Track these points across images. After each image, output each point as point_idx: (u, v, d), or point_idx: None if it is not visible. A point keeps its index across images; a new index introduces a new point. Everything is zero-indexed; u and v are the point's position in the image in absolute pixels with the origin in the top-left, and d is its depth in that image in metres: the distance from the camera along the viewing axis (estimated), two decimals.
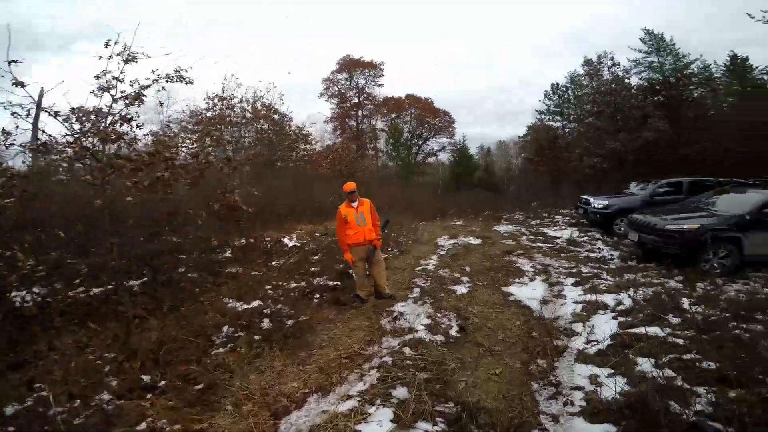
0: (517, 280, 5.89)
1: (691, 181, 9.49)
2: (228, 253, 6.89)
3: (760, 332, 3.52)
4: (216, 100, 11.95)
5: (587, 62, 17.54)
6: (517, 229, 10.69)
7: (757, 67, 18.79)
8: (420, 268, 6.52)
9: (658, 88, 14.82)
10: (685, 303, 4.47)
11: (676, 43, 19.28)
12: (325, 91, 30.28)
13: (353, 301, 4.92)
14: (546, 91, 25.99)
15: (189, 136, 10.83)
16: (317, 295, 5.23)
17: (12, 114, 4.35)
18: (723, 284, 5.24)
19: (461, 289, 5.40)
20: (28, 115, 4.43)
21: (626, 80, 15.78)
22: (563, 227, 10.64)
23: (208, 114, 11.71)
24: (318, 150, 17.96)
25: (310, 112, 39.58)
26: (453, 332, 4.04)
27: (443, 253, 7.71)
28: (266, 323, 4.30)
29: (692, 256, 5.88)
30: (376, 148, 30.55)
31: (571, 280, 5.86)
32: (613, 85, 15.36)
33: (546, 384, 3.10)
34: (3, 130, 4.65)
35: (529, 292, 5.41)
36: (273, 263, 6.68)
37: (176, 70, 4.85)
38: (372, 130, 30.94)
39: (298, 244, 7.72)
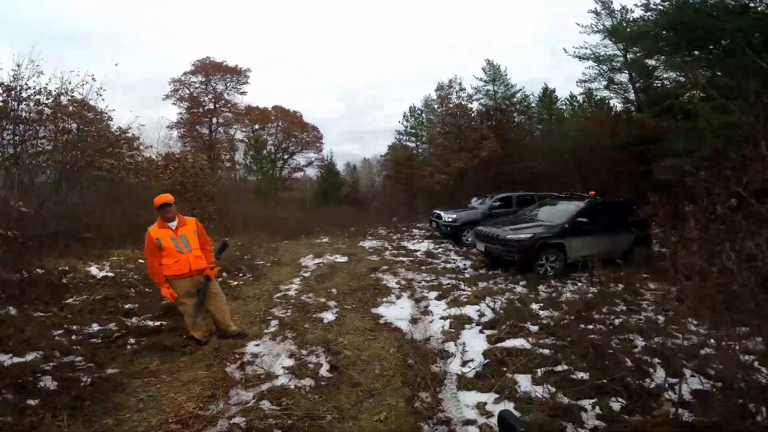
0: (384, 299, 5.62)
1: (518, 195, 11.21)
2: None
3: (605, 332, 3.95)
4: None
5: (440, 87, 19.77)
6: (381, 244, 10.77)
7: (559, 99, 24.39)
8: (279, 294, 5.66)
9: (491, 113, 17.50)
10: (535, 307, 4.87)
11: (508, 74, 23.41)
12: (172, 93, 26.18)
13: (186, 345, 3.78)
14: (405, 113, 28.29)
15: None
16: (131, 341, 3.88)
17: None
18: (560, 287, 5.98)
19: (328, 316, 4.80)
20: None
21: (469, 105, 18.23)
22: (421, 240, 11.21)
23: None
24: (153, 158, 15.06)
25: (153, 116, 33.67)
26: (324, 371, 3.41)
27: (307, 274, 7.00)
28: (49, 382, 2.97)
29: (529, 262, 6.67)
30: (232, 159, 27.75)
31: (435, 293, 5.90)
32: (457, 110, 17.48)
33: (436, 423, 2.74)
34: None
35: (397, 311, 5.17)
36: (69, 300, 4.85)
37: None
38: (229, 140, 28.05)
39: (111, 275, 5.88)
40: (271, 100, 56.95)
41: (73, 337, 3.82)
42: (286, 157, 31.12)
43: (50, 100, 9.64)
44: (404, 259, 8.54)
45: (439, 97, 19.09)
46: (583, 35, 16.85)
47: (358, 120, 56.50)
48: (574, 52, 16.10)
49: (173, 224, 3.63)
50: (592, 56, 15.91)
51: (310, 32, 60.69)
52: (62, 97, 9.97)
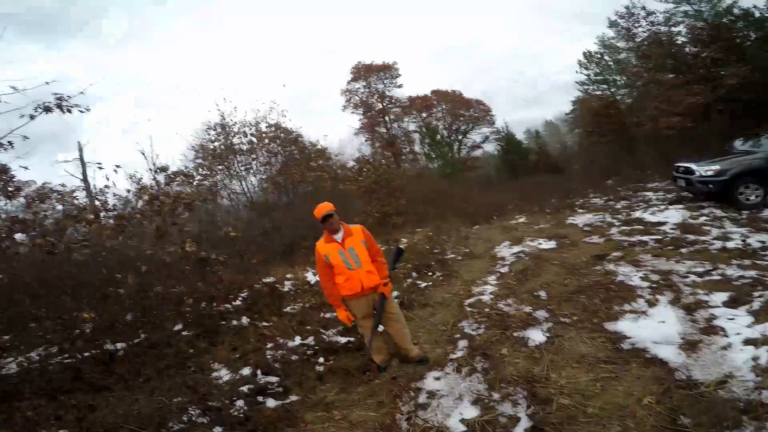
0: (627, 306, 3.77)
1: None
2: (238, 301, 5.60)
3: None
4: (218, 129, 11.07)
5: (613, 23, 14.92)
6: (599, 218, 8.28)
7: None
8: (471, 300, 4.63)
9: (713, 33, 11.98)
10: None
11: None
12: (347, 104, 29.19)
13: (365, 371, 3.29)
14: (579, 61, 22.52)
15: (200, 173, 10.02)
16: (321, 360, 3.66)
17: None
18: None
19: (535, 336, 3.46)
20: None
21: (672, 27, 12.90)
22: (663, 206, 8.06)
23: (214, 146, 10.84)
24: (346, 164, 16.68)
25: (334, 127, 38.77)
26: None
27: (504, 269, 5.73)
28: (239, 406, 2.96)
29: None
30: (413, 151, 28.69)
31: (721, 295, 3.61)
32: (662, 36, 12.60)
33: None
34: None
35: (653, 328, 3.29)
36: (287, 309, 5.25)
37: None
38: (405, 133, 29.17)
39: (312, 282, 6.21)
40: (427, 85, 56.83)
41: (278, 352, 3.89)
42: (460, 137, 30.08)
43: (252, 129, 11.73)
44: (645, 237, 6.07)
45: (619, 34, 14.22)
46: None
47: (528, 82, 49.54)
48: None
49: (339, 236, 3.09)
50: None
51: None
52: (261, 125, 12.01)
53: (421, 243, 8.70)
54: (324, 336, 4.17)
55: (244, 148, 10.95)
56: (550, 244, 6.71)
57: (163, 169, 4.86)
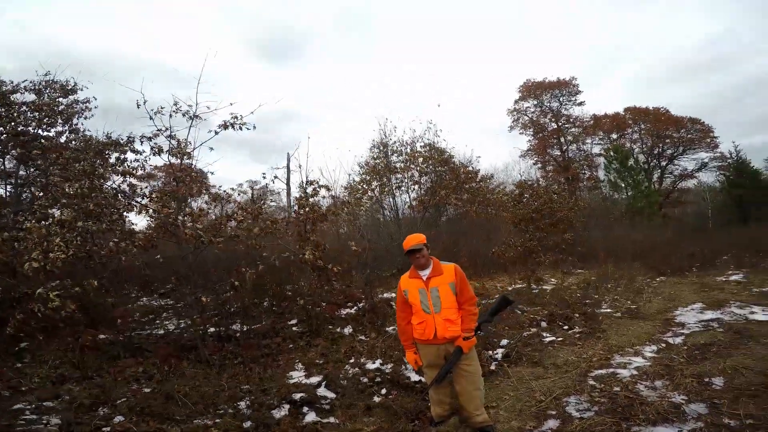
0: None
1: None
2: (353, 310, 5.92)
3: None
4: (380, 147, 12.03)
5: None
6: None
7: None
8: (602, 372, 3.45)
9: None
10: None
11: None
12: (514, 124, 27.32)
13: (414, 418, 2.89)
14: None
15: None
16: (384, 390, 3.41)
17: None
18: None
19: None
20: None
21: None
22: None
23: (375, 163, 11.81)
24: (504, 188, 15.62)
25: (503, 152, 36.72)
26: None
27: (677, 340, 4.10)
28: (282, 410, 3.05)
29: None
30: (594, 177, 24.63)
31: None
32: None
33: None
34: None
35: None
36: (389, 328, 5.18)
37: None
38: (585, 156, 25.36)
39: None
40: (619, 104, 47.19)
41: (354, 369, 3.82)
42: (663, 163, 24.05)
43: (407, 148, 12.16)
44: None
45: None
46: None
47: (758, 100, 35.29)
48: None
49: (425, 273, 2.74)
50: None
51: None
52: (416, 144, 12.34)
53: (573, 288, 7.27)
54: (402, 366, 3.89)
55: (399, 166, 11.63)
56: (765, 315, 4.49)
57: (311, 182, 5.51)
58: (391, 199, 11.89)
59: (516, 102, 27.12)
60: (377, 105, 46.84)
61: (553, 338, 4.57)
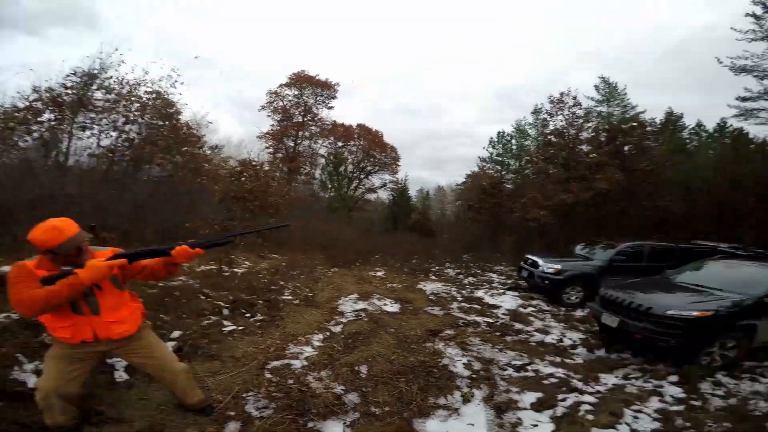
0: (442, 400, 3.32)
1: (652, 246, 8.03)
2: None
3: None
4: (82, 78, 8.43)
5: (537, 110, 16.69)
6: (447, 288, 8.38)
7: (686, 127, 19.71)
8: (279, 363, 3.68)
9: (613, 135, 13.63)
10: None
11: (627, 93, 19.53)
12: (268, 105, 27.10)
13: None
14: (491, 138, 25.48)
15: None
16: None
17: None
18: (735, 386, 3.85)
19: (332, 430, 2.68)
20: None
21: (585, 123, 14.71)
22: (501, 290, 8.57)
23: (64, 91, 8.13)
24: (227, 160, 14.77)
25: (245, 129, 35.80)
26: None
27: (337, 329, 4.98)
28: None
29: (695, 350, 4.26)
30: (310, 173, 27.61)
31: (531, 395, 3.49)
32: (571, 128, 14.35)
33: None
34: None
35: None
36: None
37: None
38: (311, 154, 28.11)
39: None
40: (356, 118, 57.85)
41: None
42: (362, 176, 30.34)
43: (125, 90, 9.37)
44: (478, 318, 6.08)
45: (546, 114, 15.63)
46: (741, 43, 12.56)
47: (437, 145, 54.36)
48: (732, 63, 12.11)
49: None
50: (755, 69, 11.80)
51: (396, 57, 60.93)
52: (141, 88, 9.72)
53: (264, 273, 7.52)
54: (19, 367, 2.68)
55: (98, 105, 8.45)
56: (394, 308, 6.29)
57: None
58: (67, 141, 8.48)
59: (280, 86, 26.73)
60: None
61: (234, 327, 4.48)
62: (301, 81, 26.90)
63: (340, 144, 29.44)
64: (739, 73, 12.16)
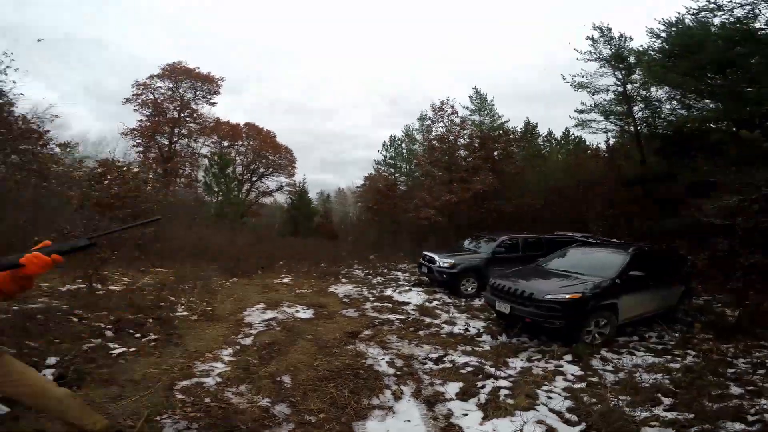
0: (376, 401, 3.27)
1: (525, 238, 9.34)
2: None
3: None
4: None
5: (422, 117, 17.92)
6: (358, 290, 8.40)
7: (540, 135, 23.58)
8: (188, 382, 3.17)
9: (483, 141, 15.75)
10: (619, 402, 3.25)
11: (495, 104, 22.26)
12: (134, 98, 23.25)
13: None
14: (384, 142, 26.60)
15: None
16: None
17: None
18: (618, 361, 4.50)
19: None
20: None
21: (461, 130, 16.38)
22: (407, 287, 8.95)
23: None
24: (81, 161, 12.30)
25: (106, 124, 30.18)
26: None
27: (247, 341, 4.51)
28: None
29: (575, 329, 4.96)
30: (191, 175, 24.74)
31: (454, 386, 3.67)
32: (450, 135, 15.83)
33: None
34: None
35: (401, 430, 2.91)
36: None
37: None
38: (191, 154, 25.14)
39: None
40: (243, 117, 54.34)
41: None
42: (254, 179, 28.44)
43: None
44: (392, 316, 6.22)
45: (429, 121, 17.26)
46: (580, 62, 15.66)
47: (334, 148, 54.87)
48: (572, 80, 14.88)
49: None
50: (588, 85, 14.77)
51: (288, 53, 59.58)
52: None
53: (148, 289, 6.44)
54: None
55: None
56: (308, 314, 6.03)
57: None
58: None
59: (151, 77, 23.00)
60: None
61: (124, 349, 3.74)
62: (177, 73, 23.96)
63: (226, 143, 27.17)
64: (577, 89, 14.94)
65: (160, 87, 23.82)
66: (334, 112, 55.91)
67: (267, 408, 2.88)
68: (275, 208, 30.86)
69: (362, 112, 58.34)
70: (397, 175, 25.04)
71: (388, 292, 8.27)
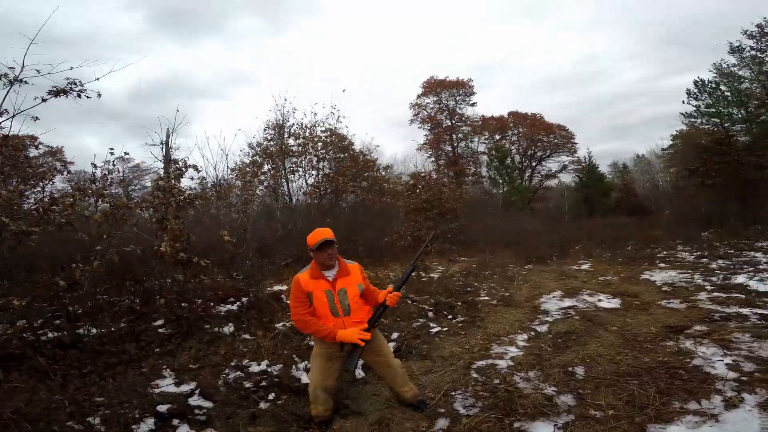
0: (692, 405, 2.57)
1: None
2: (234, 306, 5.19)
3: None
4: (276, 128, 11.13)
5: (736, 49, 13.01)
6: (686, 276, 6.58)
7: None
8: (483, 363, 3.63)
9: None
10: None
11: None
12: (415, 118, 28.63)
13: (307, 426, 2.63)
14: (689, 90, 19.24)
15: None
16: (272, 395, 3.01)
17: None
18: None
19: (541, 431, 2.45)
20: None
21: None
22: None
23: (268, 144, 10.92)
24: (400, 178, 16.10)
25: (404, 144, 38.25)
26: None
27: (543, 328, 4.58)
28: (147, 425, 2.55)
29: None
30: (477, 173, 27.22)
31: None
32: None
33: None
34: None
35: None
36: (279, 324, 4.68)
37: None
38: (472, 153, 27.85)
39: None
40: (504, 107, 54.56)
41: (236, 373, 3.31)
42: (534, 164, 27.88)
43: (306, 132, 11.50)
44: (746, 310, 4.50)
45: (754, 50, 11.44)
46: None
47: (611, 112, 44.88)
48: None
49: (331, 273, 2.48)
50: None
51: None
52: (317, 128, 11.76)
53: (457, 276, 7.71)
54: (295, 366, 3.52)
55: (296, 150, 10.87)
56: (613, 303, 5.35)
57: (175, 161, 4.66)
58: (285, 185, 11.12)
59: (419, 97, 28.33)
60: (281, 86, 44.61)
61: (440, 328, 4.69)
62: (434, 86, 27.34)
63: (497, 137, 28.15)
64: None
65: (428, 102, 27.99)
66: (600, 74, 46.23)
67: (551, 396, 2.84)
68: (561, 189, 28.91)
69: (637, 63, 45.29)
70: (727, 125, 17.70)
71: (740, 279, 6.02)
